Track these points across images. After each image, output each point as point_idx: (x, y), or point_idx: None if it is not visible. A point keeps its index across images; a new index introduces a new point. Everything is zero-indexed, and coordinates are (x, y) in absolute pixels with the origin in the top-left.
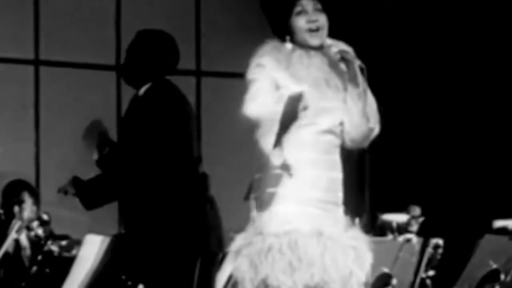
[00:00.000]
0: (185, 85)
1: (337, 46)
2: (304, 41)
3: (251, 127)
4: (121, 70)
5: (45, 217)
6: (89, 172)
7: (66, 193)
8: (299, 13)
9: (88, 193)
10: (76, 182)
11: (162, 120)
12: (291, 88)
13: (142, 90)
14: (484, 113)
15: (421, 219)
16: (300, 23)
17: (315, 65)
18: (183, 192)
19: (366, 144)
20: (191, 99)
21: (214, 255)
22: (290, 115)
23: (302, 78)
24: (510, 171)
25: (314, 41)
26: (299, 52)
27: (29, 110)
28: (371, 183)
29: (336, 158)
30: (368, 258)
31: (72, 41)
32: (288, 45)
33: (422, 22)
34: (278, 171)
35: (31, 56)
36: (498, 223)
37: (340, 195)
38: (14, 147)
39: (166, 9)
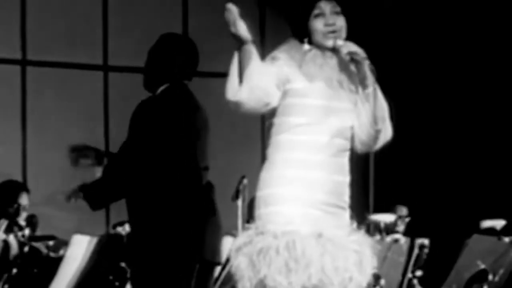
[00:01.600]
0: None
1: (347, 48)
2: (320, 42)
3: (242, 127)
4: (143, 72)
5: (32, 217)
6: (77, 173)
7: (73, 199)
8: (317, 15)
9: (95, 195)
10: (82, 187)
11: (172, 125)
12: (301, 84)
13: (158, 91)
14: (471, 113)
15: (407, 219)
16: (318, 25)
17: (329, 65)
18: (184, 199)
19: (376, 147)
20: None
21: (210, 265)
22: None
23: (314, 76)
24: (498, 171)
25: (329, 42)
26: (314, 52)
27: (16, 110)
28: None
29: (344, 162)
30: (370, 263)
31: (59, 41)
32: (306, 46)
33: (423, 25)
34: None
35: (18, 56)
36: (486, 223)
37: (346, 198)
38: (1, 147)
39: (153, 9)
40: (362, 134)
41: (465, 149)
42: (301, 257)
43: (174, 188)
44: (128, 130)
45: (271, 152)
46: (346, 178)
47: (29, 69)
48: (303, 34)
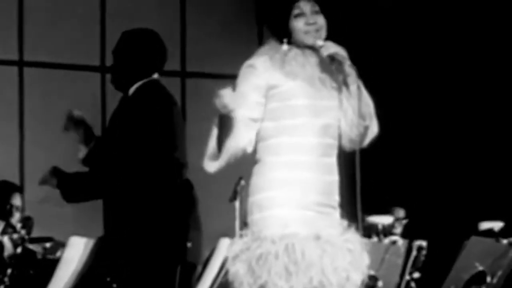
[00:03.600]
0: (170, 85)
1: (326, 49)
2: (301, 41)
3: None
4: (109, 72)
5: (27, 219)
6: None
7: (48, 184)
8: (298, 15)
9: (70, 185)
10: (57, 172)
11: (149, 124)
12: (285, 85)
13: (131, 90)
14: (468, 114)
15: (405, 221)
16: (299, 25)
17: (311, 63)
18: (164, 197)
19: (364, 144)
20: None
21: (192, 266)
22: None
23: (297, 75)
24: (496, 172)
25: (311, 40)
26: (295, 51)
27: (14, 111)
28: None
29: (333, 161)
30: (364, 260)
31: (56, 41)
32: (285, 46)
33: (410, 22)
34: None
35: (15, 57)
36: (484, 225)
37: (336, 198)
38: None
39: (151, 10)
40: (350, 131)
41: (463, 150)
42: (301, 260)
43: (154, 186)
44: (108, 130)
45: (261, 156)
46: (335, 177)
47: (26, 70)
48: (282, 34)
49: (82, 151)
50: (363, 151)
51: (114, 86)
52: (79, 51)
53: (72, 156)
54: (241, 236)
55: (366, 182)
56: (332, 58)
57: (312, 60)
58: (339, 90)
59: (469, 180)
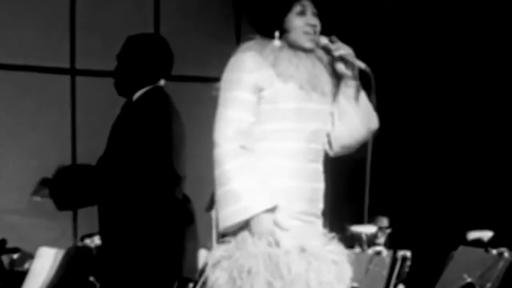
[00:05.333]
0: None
1: (337, 49)
2: (298, 41)
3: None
4: (114, 77)
5: None
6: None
7: (38, 197)
8: (300, 13)
9: (63, 194)
10: (47, 182)
11: (148, 135)
12: (276, 87)
13: (135, 97)
14: (454, 116)
15: (388, 230)
16: (299, 23)
17: (303, 66)
18: (160, 210)
19: (353, 149)
20: None
21: (187, 280)
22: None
23: (290, 77)
24: (485, 179)
25: (309, 44)
26: (287, 51)
27: None
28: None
29: (319, 167)
30: (348, 272)
31: (24, 43)
32: (277, 42)
33: (416, 24)
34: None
35: None
36: (473, 234)
37: (320, 206)
38: None
39: (123, 11)
40: (350, 137)
41: (450, 155)
42: (286, 275)
43: (150, 198)
44: (110, 138)
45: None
46: (321, 185)
47: None
48: (276, 29)
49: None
50: (343, 158)
51: (118, 92)
52: (48, 52)
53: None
54: (222, 242)
55: (348, 190)
56: (343, 59)
57: (305, 62)
58: (333, 93)
59: (456, 186)
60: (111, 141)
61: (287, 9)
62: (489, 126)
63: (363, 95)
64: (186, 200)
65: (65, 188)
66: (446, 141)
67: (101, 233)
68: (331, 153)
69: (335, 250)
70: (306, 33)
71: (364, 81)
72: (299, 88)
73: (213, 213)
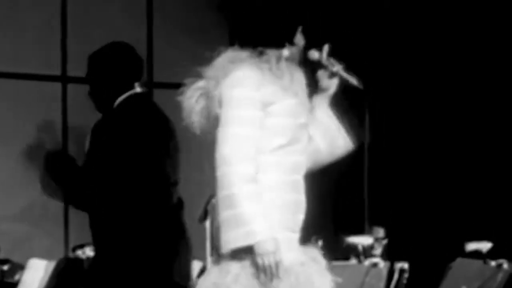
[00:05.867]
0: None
1: (333, 64)
2: (301, 55)
3: (206, 141)
4: (89, 93)
5: None
6: (30, 188)
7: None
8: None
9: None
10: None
11: (138, 140)
12: (282, 103)
13: (116, 103)
14: (452, 124)
15: (385, 241)
16: (302, 41)
17: (301, 81)
18: (154, 218)
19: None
20: None
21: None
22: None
23: (295, 92)
24: (484, 188)
25: (316, 55)
26: (285, 64)
27: None
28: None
29: (301, 179)
30: (329, 284)
31: (16, 51)
32: (285, 52)
33: (416, 24)
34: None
35: None
36: (471, 245)
37: (301, 217)
38: None
39: (115, 19)
40: (329, 147)
41: (448, 165)
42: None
43: (142, 207)
44: (90, 148)
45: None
46: (303, 197)
47: None
48: (284, 41)
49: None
50: (339, 166)
51: (97, 108)
52: (40, 60)
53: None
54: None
55: (343, 199)
56: (334, 74)
57: (298, 75)
58: (311, 107)
59: (455, 196)
60: (95, 150)
61: (295, 23)
62: (487, 135)
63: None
64: (180, 205)
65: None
66: (444, 150)
67: (95, 244)
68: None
69: (318, 261)
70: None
71: (356, 97)
72: (297, 103)
73: (207, 223)
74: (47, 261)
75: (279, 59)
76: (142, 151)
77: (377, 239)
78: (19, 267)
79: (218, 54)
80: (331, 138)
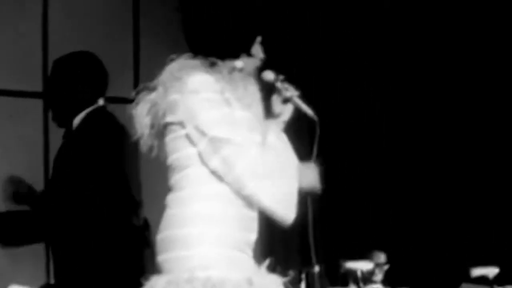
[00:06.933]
0: (124, 114)
1: (287, 89)
2: (254, 69)
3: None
4: (47, 104)
5: None
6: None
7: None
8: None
9: (8, 226)
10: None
11: (98, 161)
12: (238, 113)
13: (76, 122)
14: (457, 143)
15: (386, 267)
16: (261, 53)
17: (252, 93)
18: (120, 239)
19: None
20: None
21: None
22: None
23: (247, 105)
24: (490, 210)
25: (271, 75)
26: (238, 76)
27: None
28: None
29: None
30: None
31: None
32: (239, 63)
33: (416, 24)
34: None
35: None
36: (477, 271)
37: (251, 236)
38: None
39: (100, 34)
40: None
41: (452, 185)
42: None
43: (108, 228)
44: (55, 173)
45: (179, 185)
46: (256, 214)
47: None
48: (239, 51)
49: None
50: (336, 188)
51: (57, 124)
52: (20, 76)
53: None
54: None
55: (342, 223)
56: (288, 100)
57: (253, 88)
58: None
59: (459, 219)
60: (58, 176)
61: (257, 35)
62: (491, 157)
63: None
64: (146, 227)
65: (8, 220)
66: (448, 171)
67: (56, 270)
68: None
69: (278, 282)
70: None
71: (308, 126)
72: (252, 118)
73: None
74: (28, 287)
75: (231, 70)
76: (107, 176)
77: (377, 264)
78: None
79: (169, 62)
80: (283, 166)
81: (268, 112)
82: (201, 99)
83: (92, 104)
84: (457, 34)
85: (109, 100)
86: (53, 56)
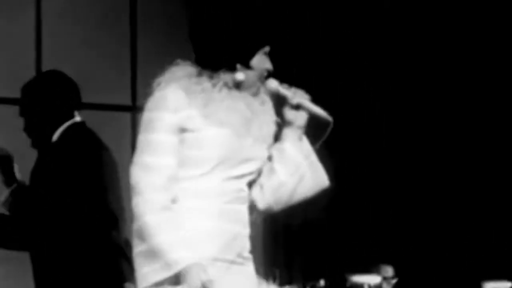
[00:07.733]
0: (120, 121)
1: (293, 96)
2: (257, 81)
3: None
4: (25, 129)
5: None
6: None
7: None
8: (267, 53)
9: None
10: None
11: (76, 175)
12: (204, 132)
13: (55, 136)
14: (467, 151)
15: (394, 281)
16: (266, 64)
17: (238, 109)
18: (98, 252)
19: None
20: (127, 135)
21: None
22: None
23: (221, 123)
24: (503, 224)
25: (273, 84)
26: (221, 91)
27: None
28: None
29: (243, 209)
30: None
31: None
32: (240, 75)
33: (416, 25)
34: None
35: None
36: (489, 286)
37: (246, 254)
38: None
39: (96, 43)
40: (299, 194)
41: (463, 197)
42: None
43: (86, 243)
44: (32, 183)
45: None
46: (246, 230)
47: None
48: (238, 62)
49: (3, 194)
50: (343, 200)
51: (33, 144)
52: (13, 85)
53: None
54: None
55: (348, 235)
56: (298, 106)
57: (240, 104)
58: (269, 136)
59: (470, 231)
60: (37, 187)
61: (259, 46)
62: (507, 169)
63: (311, 150)
64: (126, 242)
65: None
66: (459, 183)
67: (36, 283)
68: (260, 206)
69: None
70: (263, 76)
71: (319, 128)
72: (233, 134)
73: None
74: None
75: (215, 84)
76: (84, 190)
77: (385, 278)
78: None
79: (171, 66)
80: (300, 175)
81: (283, 121)
82: (146, 119)
83: (69, 119)
84: (457, 34)
85: (106, 107)
86: (46, 64)
